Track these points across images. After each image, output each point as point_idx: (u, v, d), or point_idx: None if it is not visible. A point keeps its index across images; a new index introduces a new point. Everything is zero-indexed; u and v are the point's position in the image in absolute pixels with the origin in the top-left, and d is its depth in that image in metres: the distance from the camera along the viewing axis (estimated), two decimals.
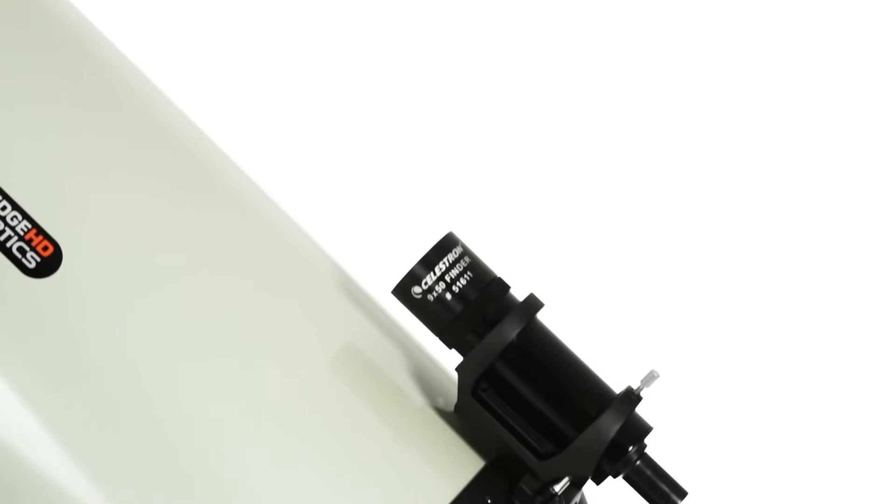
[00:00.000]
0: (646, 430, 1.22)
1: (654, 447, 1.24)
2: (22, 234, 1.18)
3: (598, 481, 1.24)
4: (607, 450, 1.20)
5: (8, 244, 1.17)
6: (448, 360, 1.30)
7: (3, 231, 1.17)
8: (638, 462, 1.22)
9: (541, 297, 1.23)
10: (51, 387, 1.16)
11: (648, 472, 1.23)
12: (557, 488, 1.21)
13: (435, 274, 1.22)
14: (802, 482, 2.30)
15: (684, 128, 2.44)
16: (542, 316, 1.24)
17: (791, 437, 2.33)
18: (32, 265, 1.17)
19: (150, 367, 1.17)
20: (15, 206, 1.18)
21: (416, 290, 1.22)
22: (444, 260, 1.22)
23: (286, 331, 1.23)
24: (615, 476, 1.23)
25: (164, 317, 1.19)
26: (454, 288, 1.22)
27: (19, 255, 1.17)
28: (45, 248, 1.18)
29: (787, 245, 2.39)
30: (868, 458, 2.32)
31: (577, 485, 1.23)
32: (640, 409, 1.23)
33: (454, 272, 1.22)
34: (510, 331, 1.20)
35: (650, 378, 1.22)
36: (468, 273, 1.22)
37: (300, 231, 1.34)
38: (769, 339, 2.36)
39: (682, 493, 1.23)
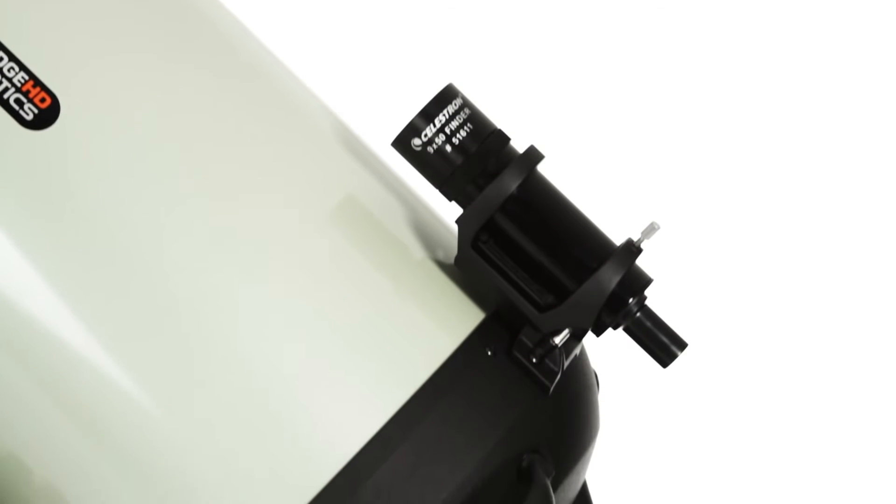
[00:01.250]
0: (646, 281, 1.22)
1: (654, 299, 1.25)
2: (19, 85, 1.17)
3: (598, 333, 1.24)
4: (607, 301, 1.20)
5: (5, 96, 1.16)
6: (448, 213, 1.30)
7: (1, 82, 1.16)
8: (638, 314, 1.23)
9: (541, 149, 1.23)
10: (49, 238, 1.16)
11: (648, 324, 1.23)
12: (557, 340, 1.21)
13: (435, 126, 1.21)
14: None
15: None
16: (542, 168, 1.23)
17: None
18: (30, 117, 1.16)
19: (148, 219, 1.17)
20: (12, 58, 1.17)
21: (416, 142, 1.21)
22: (444, 112, 1.21)
23: (284, 182, 1.22)
24: (615, 328, 1.23)
25: (164, 171, 1.19)
26: (454, 140, 1.21)
27: (16, 107, 1.16)
28: (43, 101, 1.17)
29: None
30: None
31: (577, 337, 1.23)
32: (641, 262, 1.23)
33: (454, 124, 1.21)
34: (510, 182, 1.20)
35: (650, 230, 1.22)
36: (468, 125, 1.22)
37: (299, 83, 1.33)
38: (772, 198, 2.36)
39: (682, 345, 1.23)
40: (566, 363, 1.24)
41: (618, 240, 1.23)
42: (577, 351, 1.28)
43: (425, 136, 1.21)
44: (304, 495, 1.14)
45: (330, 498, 1.14)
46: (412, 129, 1.21)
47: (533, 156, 1.21)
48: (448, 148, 1.21)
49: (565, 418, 1.26)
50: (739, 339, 2.32)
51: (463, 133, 1.21)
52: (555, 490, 1.21)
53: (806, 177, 2.40)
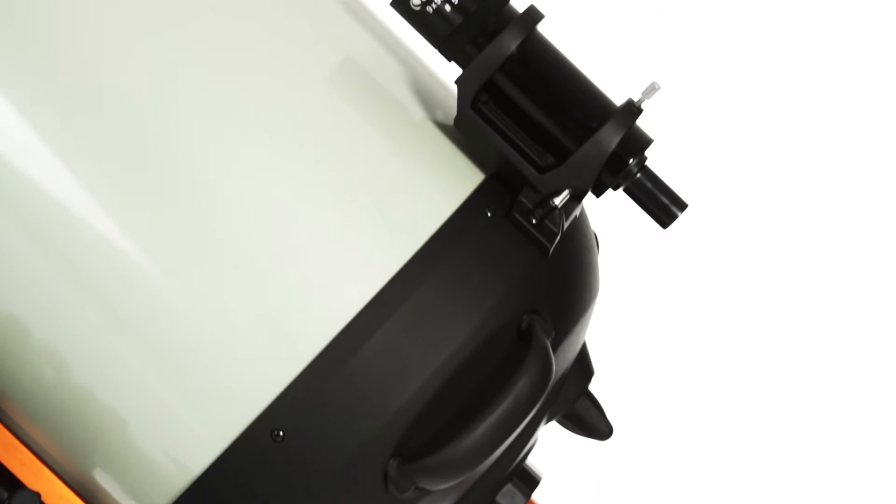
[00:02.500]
0: (646, 142, 1.22)
1: (654, 160, 1.24)
2: None
3: (597, 194, 1.24)
4: (607, 162, 1.19)
5: None
6: (448, 75, 1.29)
7: None
8: (638, 174, 1.22)
9: (540, 9, 1.21)
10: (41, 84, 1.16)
11: (649, 185, 1.23)
12: (557, 201, 1.21)
13: None
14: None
15: None
16: (542, 29, 1.22)
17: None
18: None
19: (148, 68, 1.17)
20: None
21: (415, 1, 1.20)
22: None
23: (283, 42, 1.21)
24: (615, 188, 1.23)
25: (157, 25, 1.18)
26: None
27: None
28: None
29: None
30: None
31: (576, 198, 1.23)
32: (641, 122, 1.22)
33: None
34: (510, 42, 1.19)
35: (651, 90, 1.21)
36: None
37: None
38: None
39: (683, 205, 1.23)
40: (566, 224, 1.24)
41: (618, 101, 1.22)
42: (576, 212, 1.28)
43: None
44: (305, 356, 1.15)
45: (330, 359, 1.15)
46: None
47: (533, 15, 1.20)
48: (447, 7, 1.20)
49: (565, 279, 1.26)
50: (739, 338, 2.33)
51: None
52: (554, 351, 1.22)
53: (805, 177, 2.40)
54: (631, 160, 1.21)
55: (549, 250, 1.21)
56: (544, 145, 1.21)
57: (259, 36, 1.21)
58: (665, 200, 1.23)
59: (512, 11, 1.21)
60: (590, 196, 1.25)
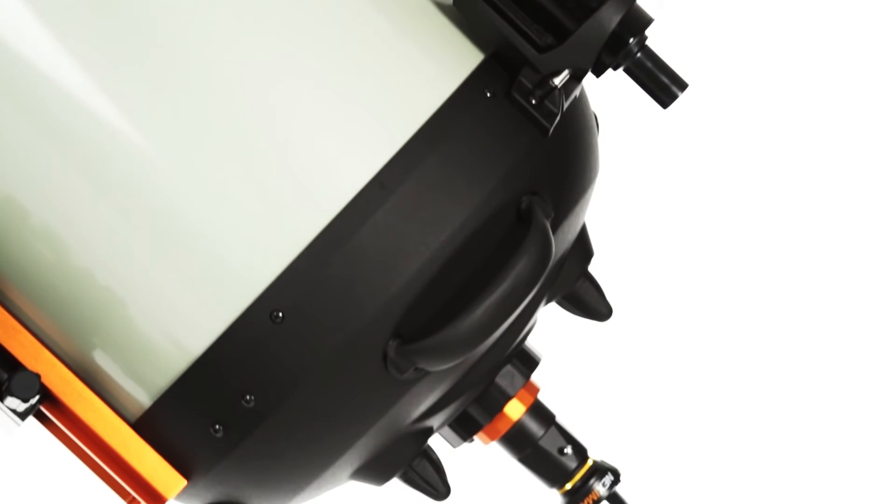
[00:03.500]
0: (647, 21, 1.20)
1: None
2: None
3: (597, 74, 1.23)
4: (607, 41, 1.18)
5: None
6: None
7: None
8: (638, 54, 1.21)
9: None
10: None
11: (649, 64, 1.22)
12: (557, 81, 1.20)
13: None
14: None
15: None
16: None
17: None
18: None
19: None
20: None
21: None
22: None
23: None
24: (615, 68, 1.22)
25: None
26: None
27: None
28: None
29: None
30: None
31: (576, 78, 1.22)
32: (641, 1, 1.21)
33: None
34: None
35: None
36: None
37: None
38: None
39: (683, 85, 1.22)
40: (566, 105, 1.23)
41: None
42: (576, 93, 1.27)
43: None
44: (304, 237, 1.15)
45: (329, 240, 1.15)
46: None
47: None
48: None
49: (564, 160, 1.25)
50: (739, 337, 2.32)
51: None
52: (554, 232, 1.22)
53: (805, 177, 2.37)
54: (631, 39, 1.20)
55: (548, 131, 1.21)
56: (544, 25, 1.20)
57: None
58: (665, 80, 1.22)
59: None
60: (590, 77, 1.24)
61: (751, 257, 2.34)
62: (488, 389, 1.33)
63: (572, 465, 1.39)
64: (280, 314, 1.15)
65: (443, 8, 1.23)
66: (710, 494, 2.28)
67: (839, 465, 2.29)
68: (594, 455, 1.40)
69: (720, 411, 2.30)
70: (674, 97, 1.22)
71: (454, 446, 1.38)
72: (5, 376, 1.18)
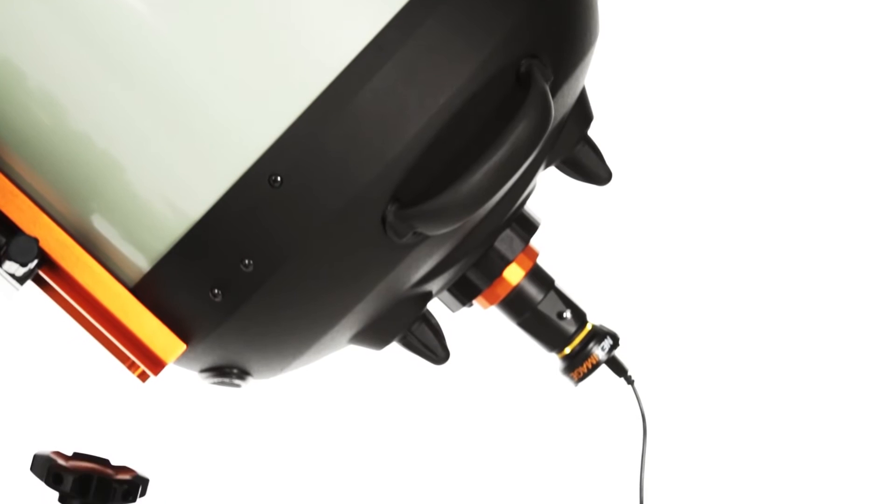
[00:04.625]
0: None
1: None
2: None
3: None
4: None
5: None
6: None
7: None
8: None
9: None
10: None
11: None
12: None
13: None
14: None
15: None
16: None
17: None
18: None
19: None
20: None
21: None
22: None
23: None
24: None
25: None
26: None
27: None
28: None
29: None
30: None
31: None
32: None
33: None
34: None
35: None
36: None
37: None
38: None
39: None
40: None
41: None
42: None
43: None
44: (302, 100, 1.14)
45: (328, 102, 1.14)
46: None
47: None
48: None
49: (564, 23, 1.24)
50: (738, 337, 2.30)
51: None
52: (553, 95, 1.21)
53: (804, 176, 2.35)
54: None
55: None
56: None
57: None
58: None
59: None
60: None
61: (748, 261, 2.35)
62: (487, 254, 1.33)
63: (571, 329, 1.40)
64: (278, 178, 1.14)
65: None
66: (709, 354, 2.30)
67: (837, 463, 2.30)
68: (593, 319, 1.41)
69: (720, 274, 2.31)
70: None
71: (453, 311, 1.39)
72: (3, 241, 1.18)
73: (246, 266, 1.16)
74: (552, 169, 1.36)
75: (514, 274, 1.37)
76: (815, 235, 2.34)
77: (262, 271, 1.17)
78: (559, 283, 1.40)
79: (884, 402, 2.32)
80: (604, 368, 1.41)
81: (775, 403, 2.32)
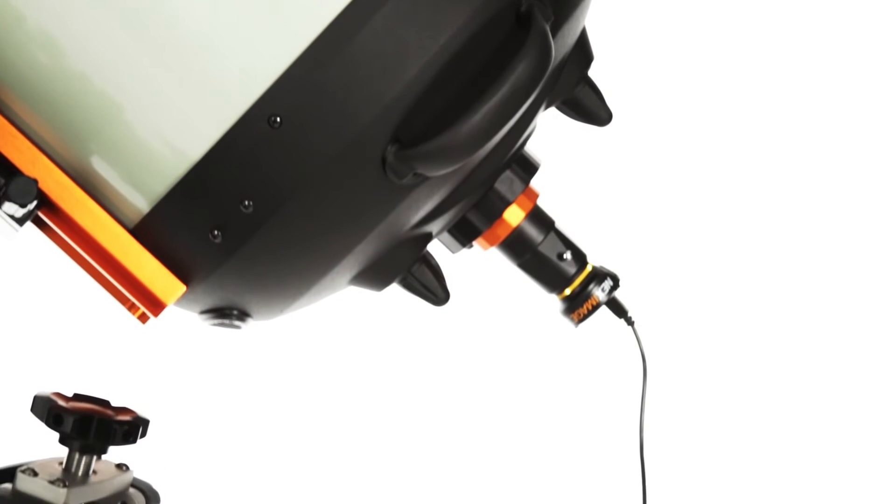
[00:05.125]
0: None
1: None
2: None
3: None
4: None
5: None
6: None
7: None
8: None
9: None
10: None
11: None
12: None
13: None
14: None
15: None
16: None
17: None
18: None
19: None
20: None
21: None
22: None
23: None
24: None
25: None
26: None
27: None
28: None
29: None
30: None
31: None
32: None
33: None
34: None
35: None
36: None
37: None
38: None
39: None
40: None
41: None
42: None
43: None
44: (302, 41, 1.13)
45: (327, 43, 1.13)
46: None
47: None
48: None
49: None
50: (739, 337, 2.29)
51: None
52: (553, 36, 1.20)
53: (804, 177, 2.34)
54: None
55: None
56: None
57: None
58: None
59: None
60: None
61: (747, 260, 2.35)
62: (487, 195, 1.33)
63: (571, 270, 1.40)
64: (278, 119, 1.14)
65: None
66: (709, 294, 2.31)
67: (837, 463, 2.31)
68: (593, 260, 1.41)
69: (722, 216, 2.32)
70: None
71: (453, 252, 1.38)
72: (2, 182, 1.17)
73: (245, 207, 1.16)
74: (552, 110, 1.35)
75: (514, 215, 1.36)
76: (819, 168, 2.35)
77: (261, 212, 1.16)
78: (559, 225, 1.39)
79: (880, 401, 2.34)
80: (604, 310, 1.41)
81: (774, 346, 2.33)
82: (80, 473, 1.31)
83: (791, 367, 2.33)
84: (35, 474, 1.28)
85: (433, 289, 1.33)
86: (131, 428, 1.31)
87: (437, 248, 1.37)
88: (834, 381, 2.33)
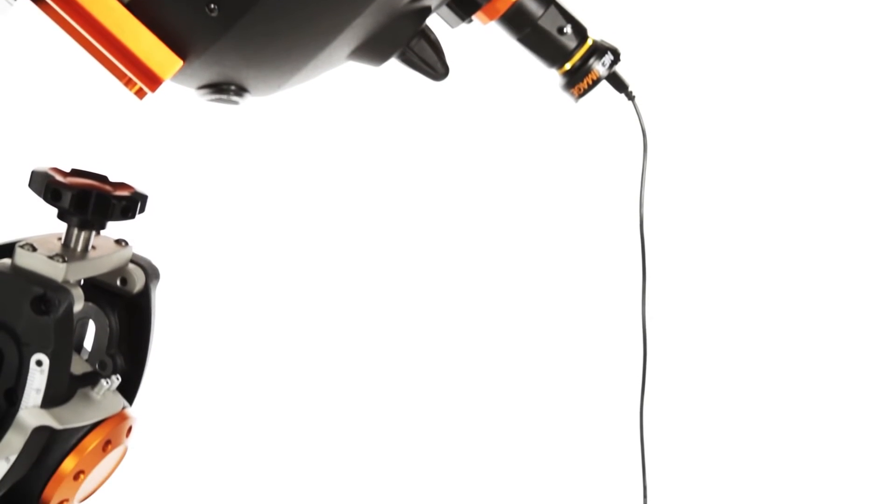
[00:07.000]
0: None
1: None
2: None
3: None
4: None
5: None
6: None
7: None
8: None
9: None
10: None
11: None
12: None
13: None
14: None
15: None
16: None
17: None
18: None
19: None
20: None
21: None
22: None
23: None
24: None
25: None
26: None
27: None
28: None
29: None
30: None
31: None
32: None
33: None
34: None
35: None
36: None
37: None
38: None
39: None
40: None
41: None
42: None
43: None
44: None
45: None
46: None
47: None
48: None
49: None
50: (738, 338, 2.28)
51: None
52: None
53: (804, 177, 2.29)
54: None
55: None
56: None
57: None
58: None
59: None
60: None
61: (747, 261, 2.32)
62: None
63: (572, 44, 1.38)
64: None
65: None
66: (709, 69, 2.30)
67: (836, 463, 2.30)
68: (594, 35, 1.39)
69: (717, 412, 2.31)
70: None
71: (452, 27, 1.37)
72: None
73: None
74: None
75: None
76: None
77: None
78: None
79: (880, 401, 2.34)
80: (604, 84, 1.40)
81: (775, 346, 2.35)
82: (78, 249, 1.31)
83: (791, 367, 2.35)
84: (34, 249, 1.28)
85: (432, 63, 1.32)
86: (130, 203, 1.30)
87: (437, 24, 1.35)
88: (843, 365, 2.35)
